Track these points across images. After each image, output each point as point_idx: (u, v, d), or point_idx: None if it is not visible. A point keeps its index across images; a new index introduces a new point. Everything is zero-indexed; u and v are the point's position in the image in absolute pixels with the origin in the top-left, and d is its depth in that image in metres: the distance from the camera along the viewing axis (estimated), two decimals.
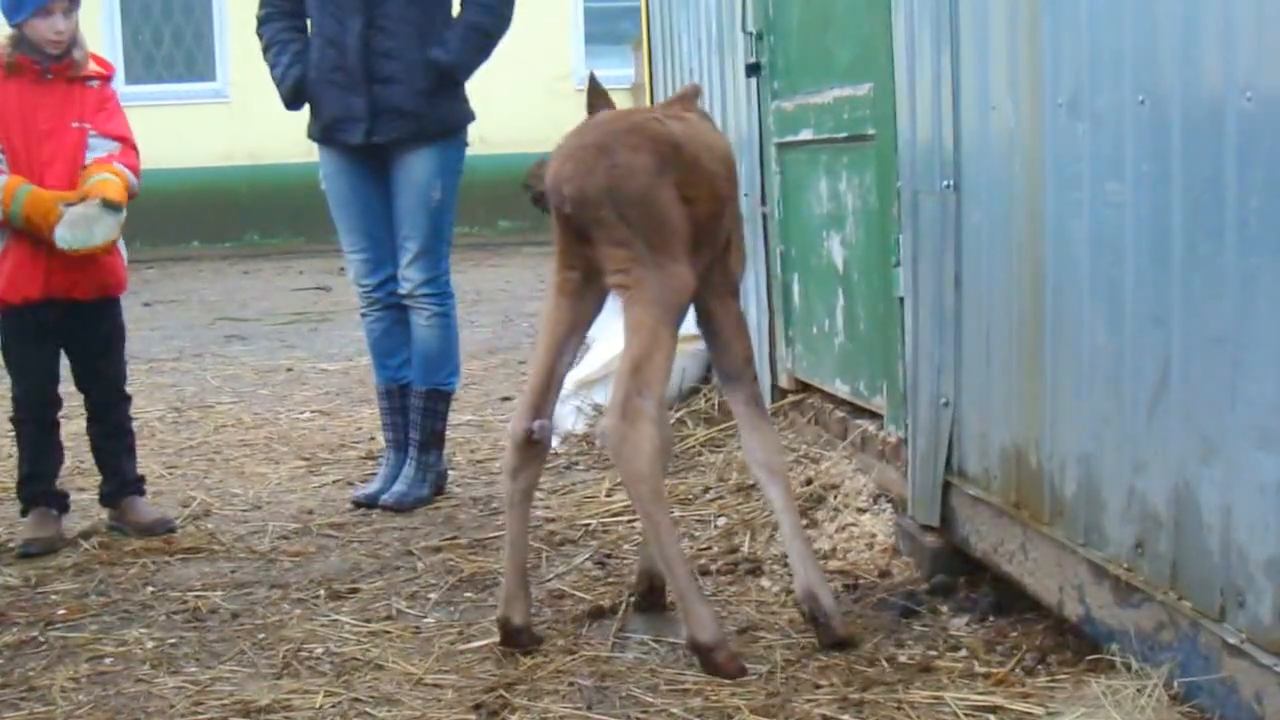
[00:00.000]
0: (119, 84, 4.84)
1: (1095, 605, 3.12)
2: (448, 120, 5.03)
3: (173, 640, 3.75)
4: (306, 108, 5.14)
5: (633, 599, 3.81)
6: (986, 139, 3.54)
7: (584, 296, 3.50)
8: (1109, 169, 2.98)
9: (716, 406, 6.00)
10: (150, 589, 4.21)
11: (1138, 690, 2.84)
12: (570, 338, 3.57)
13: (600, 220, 3.32)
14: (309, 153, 5.33)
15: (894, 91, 4.04)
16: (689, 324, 3.62)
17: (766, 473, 3.62)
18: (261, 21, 5.18)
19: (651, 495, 3.30)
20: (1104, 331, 3.05)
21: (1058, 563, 3.28)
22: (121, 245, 4.77)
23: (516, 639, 3.55)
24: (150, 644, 3.72)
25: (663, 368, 3.32)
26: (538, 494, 5.07)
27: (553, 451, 5.74)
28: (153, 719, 3.25)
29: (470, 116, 5.15)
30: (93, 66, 4.72)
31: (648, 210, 3.29)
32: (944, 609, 3.68)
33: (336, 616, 3.89)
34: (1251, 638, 2.60)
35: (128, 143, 4.73)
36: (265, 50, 5.16)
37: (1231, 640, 2.64)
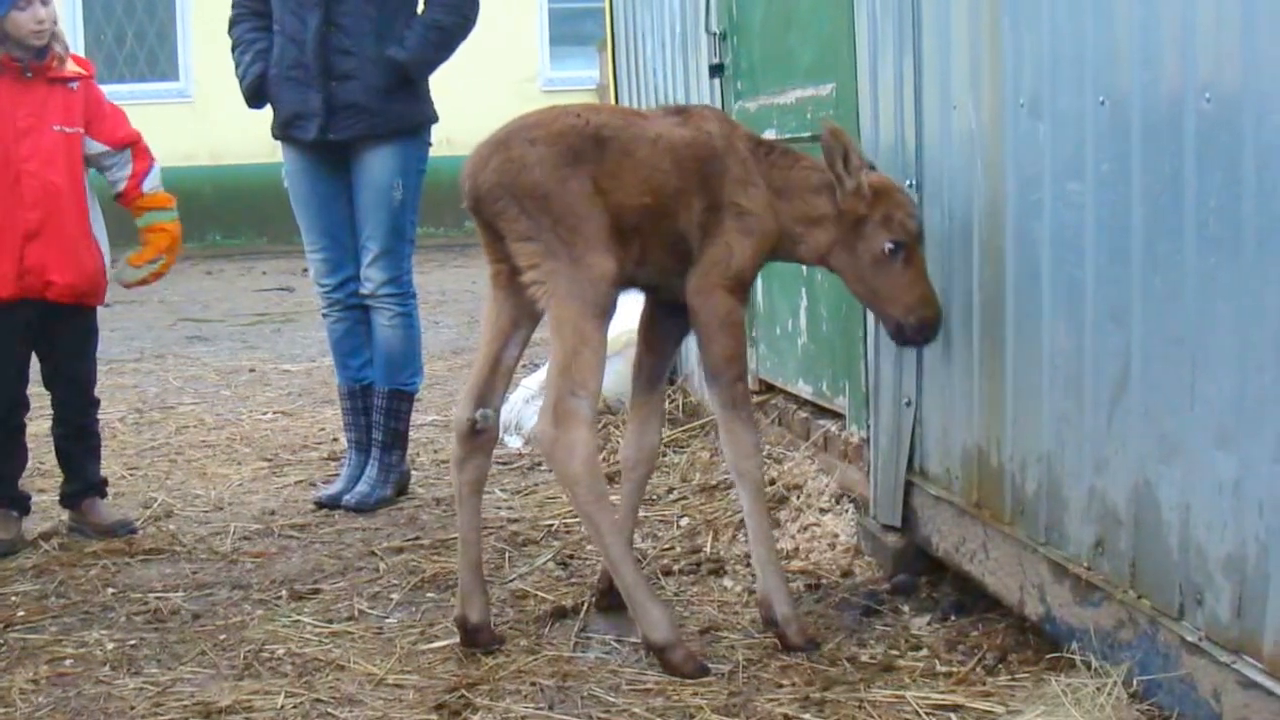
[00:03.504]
0: None
1: (1055, 604, 3.13)
2: (406, 119, 5.00)
3: (133, 641, 3.73)
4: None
5: (595, 599, 3.81)
6: (948, 139, 3.55)
7: (518, 288, 3.44)
8: (1069, 169, 3.00)
9: (680, 407, 6.01)
10: (111, 590, 4.18)
11: (1097, 688, 2.86)
12: (513, 330, 3.55)
13: (500, 214, 3.32)
14: (272, 153, 5.30)
15: (856, 92, 4.05)
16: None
17: (736, 476, 3.60)
18: (232, 23, 5.17)
19: (590, 497, 3.28)
20: (1064, 331, 3.06)
21: (1018, 562, 3.29)
22: (106, 253, 4.78)
23: (475, 637, 3.54)
24: (110, 645, 3.70)
25: (592, 364, 3.29)
26: (500, 494, 5.09)
27: (516, 452, 5.73)
28: None
29: (433, 117, 5.12)
30: (72, 66, 4.69)
31: (547, 202, 3.27)
32: (905, 608, 3.69)
33: (298, 617, 3.87)
34: (1210, 635, 2.62)
35: (138, 145, 4.82)
36: (232, 50, 5.15)
37: (1190, 638, 2.66)
